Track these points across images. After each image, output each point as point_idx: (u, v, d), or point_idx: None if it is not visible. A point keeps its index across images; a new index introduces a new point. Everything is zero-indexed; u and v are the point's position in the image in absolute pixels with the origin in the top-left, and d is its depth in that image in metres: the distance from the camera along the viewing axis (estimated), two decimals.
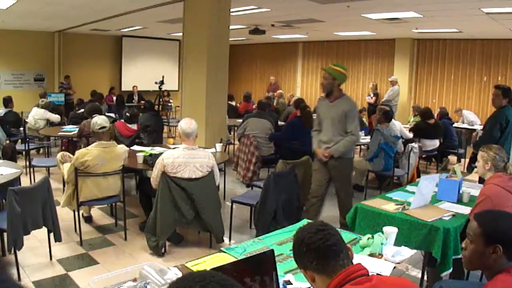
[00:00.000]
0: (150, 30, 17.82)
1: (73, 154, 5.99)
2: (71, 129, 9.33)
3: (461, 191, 5.03)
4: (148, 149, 7.32)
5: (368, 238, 3.45)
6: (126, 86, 20.38)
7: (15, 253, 4.71)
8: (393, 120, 9.62)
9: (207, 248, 5.86)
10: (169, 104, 18.53)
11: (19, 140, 10.65)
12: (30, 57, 18.48)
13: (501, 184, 4.09)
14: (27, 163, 9.03)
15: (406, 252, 3.37)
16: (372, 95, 16.99)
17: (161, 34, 19.47)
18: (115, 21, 14.44)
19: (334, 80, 6.17)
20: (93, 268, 5.25)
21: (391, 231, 3.52)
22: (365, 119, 12.86)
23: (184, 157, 5.50)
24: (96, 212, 7.10)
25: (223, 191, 8.12)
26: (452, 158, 11.78)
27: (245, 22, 13.95)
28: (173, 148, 6.04)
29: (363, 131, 10.36)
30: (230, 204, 6.37)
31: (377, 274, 2.84)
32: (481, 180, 5.08)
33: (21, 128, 10.64)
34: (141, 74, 20.60)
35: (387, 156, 8.33)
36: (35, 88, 18.39)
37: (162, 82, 15.38)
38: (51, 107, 11.72)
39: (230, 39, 9.89)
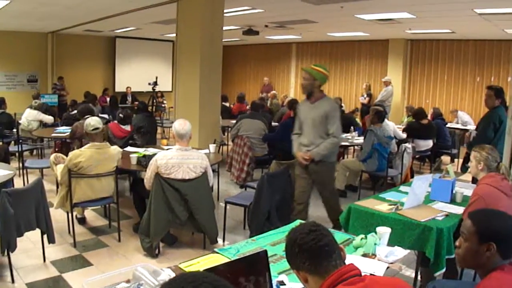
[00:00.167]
0: (144, 31, 17.81)
1: (67, 156, 5.97)
2: (64, 131, 9.30)
3: (454, 191, 5.05)
4: (142, 150, 7.30)
5: (362, 239, 3.46)
6: (120, 87, 20.37)
7: (8, 255, 4.69)
8: (386, 120, 9.64)
9: (201, 249, 5.85)
10: (163, 105, 18.51)
11: (12, 142, 10.62)
12: (23, 58, 18.44)
13: (493, 184, 4.10)
14: (20, 164, 8.99)
15: (399, 252, 3.37)
16: (365, 95, 17.02)
17: (155, 35, 19.46)
18: (108, 22, 14.43)
19: (314, 80, 5.97)
20: (86, 269, 5.24)
21: (384, 231, 3.53)
22: (358, 120, 12.88)
23: (178, 158, 5.49)
24: (89, 214, 7.09)
25: (217, 192, 8.12)
26: (446, 158, 11.81)
27: (238, 23, 13.95)
28: (167, 149, 6.03)
29: (356, 132, 10.38)
30: (223, 205, 6.38)
31: (371, 274, 2.85)
32: (474, 180, 5.09)
33: (14, 130, 10.61)
34: (134, 75, 20.61)
35: (381, 156, 8.34)
36: (28, 89, 18.34)
37: (155, 83, 15.38)
38: (44, 108, 11.69)
39: (224, 40, 9.90)
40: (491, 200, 3.90)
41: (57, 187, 6.82)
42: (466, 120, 13.98)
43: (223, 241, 6.16)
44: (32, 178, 7.22)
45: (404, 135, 10.49)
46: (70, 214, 6.06)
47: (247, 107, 13.93)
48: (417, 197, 4.70)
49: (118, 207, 6.26)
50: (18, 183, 7.91)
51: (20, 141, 9.41)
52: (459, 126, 13.61)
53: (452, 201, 4.95)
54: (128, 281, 2.68)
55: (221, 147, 10.26)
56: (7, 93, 16.50)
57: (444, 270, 4.16)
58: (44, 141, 11.09)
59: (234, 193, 7.59)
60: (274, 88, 19.73)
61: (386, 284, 2.22)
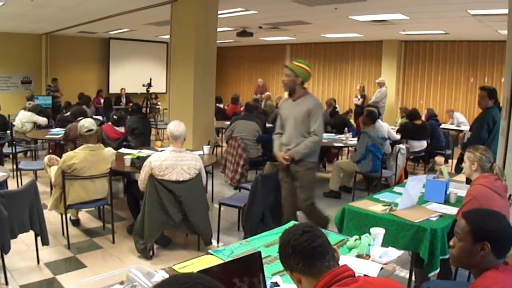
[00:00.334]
0: (138, 32, 17.79)
1: (61, 157, 5.96)
2: (58, 132, 9.28)
3: (448, 192, 5.06)
4: (136, 152, 7.30)
5: (356, 239, 3.46)
6: (114, 88, 20.34)
7: (2, 257, 4.69)
8: (380, 121, 9.65)
9: (195, 250, 5.85)
10: (157, 106, 18.50)
11: (6, 143, 10.60)
12: (17, 60, 18.39)
13: (487, 184, 4.11)
14: (14, 166, 8.98)
15: (393, 253, 3.38)
16: (359, 96, 17.04)
17: (149, 36, 19.44)
18: (102, 24, 14.41)
19: (296, 77, 5.72)
20: (80, 271, 5.23)
21: (378, 232, 3.53)
22: (352, 121, 12.90)
23: (172, 159, 5.49)
24: (83, 215, 7.08)
25: (211, 194, 8.12)
26: (439, 159, 11.83)
27: (232, 24, 13.96)
28: (161, 151, 6.03)
29: (350, 133, 10.39)
30: (218, 207, 6.38)
31: (365, 275, 2.85)
32: (468, 181, 5.10)
33: (8, 131, 10.58)
34: (128, 76, 20.57)
35: (375, 157, 8.35)
36: (22, 90, 18.28)
37: (149, 85, 15.36)
38: (38, 110, 11.67)
39: (218, 41, 9.91)
40: (485, 201, 3.91)
41: (51, 188, 6.82)
42: (462, 120, 14.03)
43: (217, 242, 6.15)
44: (26, 180, 7.21)
45: (398, 136, 10.51)
46: (64, 216, 6.04)
47: (241, 108, 13.93)
48: (411, 198, 4.71)
49: (112, 208, 6.24)
50: (12, 185, 7.86)
51: (14, 142, 9.40)
52: (453, 127, 13.65)
53: (446, 201, 4.96)
54: (122, 283, 2.68)
55: (215, 148, 10.26)
56: (1, 94, 16.54)
57: (438, 270, 4.16)
58: (38, 143, 11.06)
59: (228, 195, 7.59)
60: (268, 90, 19.73)
61: (379, 285, 2.22)
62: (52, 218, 6.33)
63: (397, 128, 11.39)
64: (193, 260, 3.20)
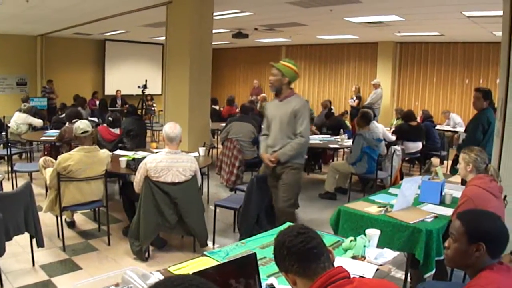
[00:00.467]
0: (133, 34, 17.78)
1: (56, 159, 5.95)
2: (53, 134, 9.26)
3: (443, 193, 5.07)
4: (131, 154, 7.30)
5: (351, 241, 3.46)
6: (109, 90, 20.32)
7: None
8: (375, 123, 9.67)
9: (190, 252, 5.85)
10: (152, 108, 18.49)
11: (1, 145, 10.58)
12: (12, 61, 18.37)
13: (482, 185, 4.12)
14: (9, 168, 8.96)
15: (389, 254, 3.38)
16: (355, 98, 17.06)
17: (144, 38, 19.42)
18: (97, 25, 14.40)
19: (283, 77, 5.61)
20: (76, 273, 5.21)
21: (373, 233, 3.54)
22: (348, 123, 12.91)
23: (167, 161, 5.49)
24: (79, 217, 7.06)
25: (207, 195, 8.12)
26: (435, 160, 11.85)
27: (228, 26, 13.97)
28: (156, 153, 6.02)
29: (346, 134, 10.40)
30: (213, 208, 6.38)
31: (360, 276, 2.86)
32: (464, 182, 5.11)
33: (3, 133, 10.58)
34: (124, 78, 20.56)
35: (370, 159, 8.36)
36: (17, 92, 18.29)
37: (145, 86, 15.33)
38: (34, 112, 11.65)
39: (213, 43, 9.91)
40: (480, 202, 3.92)
41: (46, 190, 6.80)
42: (458, 121, 14.06)
43: (213, 244, 6.14)
44: (21, 182, 7.20)
45: (394, 138, 10.53)
46: (59, 218, 6.02)
47: (237, 110, 13.95)
48: (407, 199, 4.71)
49: (108, 210, 6.23)
50: (7, 187, 7.88)
51: (9, 144, 9.38)
52: (448, 128, 13.68)
53: (441, 203, 4.97)
54: (117, 285, 2.68)
55: (210, 150, 10.25)
56: None
57: (433, 271, 4.17)
58: (33, 145, 11.05)
59: (224, 196, 7.59)
60: (264, 91, 19.71)
61: (374, 286, 2.23)
62: (47, 220, 6.31)
63: (392, 129, 11.41)
64: (189, 262, 3.20)
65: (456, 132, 12.87)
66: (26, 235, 5.12)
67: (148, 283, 2.62)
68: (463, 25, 11.61)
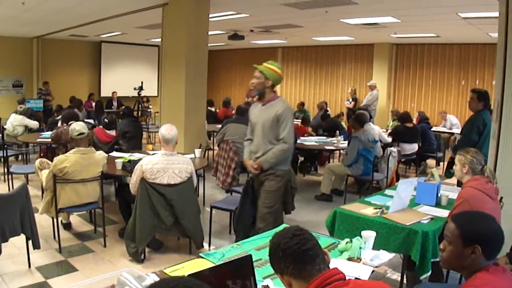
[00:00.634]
0: (129, 35, 17.78)
1: (52, 161, 5.94)
2: (49, 136, 9.24)
3: (439, 194, 5.08)
4: (127, 155, 7.29)
5: (347, 242, 3.47)
6: (105, 92, 20.31)
7: None
8: (371, 124, 9.68)
9: (186, 254, 5.84)
10: (148, 110, 18.48)
11: None
12: (8, 63, 18.36)
13: (478, 187, 4.12)
14: (5, 170, 8.94)
15: (385, 256, 3.38)
16: (351, 100, 17.05)
17: (140, 40, 19.42)
18: (94, 27, 14.40)
19: (266, 80, 5.32)
20: (72, 275, 5.20)
21: (369, 235, 3.54)
22: (344, 124, 12.92)
23: (163, 163, 5.49)
24: (75, 219, 7.05)
25: (203, 197, 8.12)
26: (431, 162, 11.87)
27: (224, 27, 13.97)
28: (152, 154, 6.02)
29: (342, 136, 10.41)
30: (209, 210, 6.35)
31: (356, 278, 2.86)
32: (460, 183, 5.11)
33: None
34: (120, 80, 20.57)
35: (366, 161, 8.37)
36: (13, 94, 18.28)
37: (141, 88, 15.31)
38: (30, 113, 11.63)
39: (209, 45, 9.92)
40: (476, 203, 3.92)
41: (42, 192, 6.80)
42: (455, 123, 14.09)
43: (209, 246, 6.14)
44: (17, 184, 7.19)
45: (390, 139, 10.54)
46: (55, 220, 6.02)
47: (233, 111, 13.93)
48: (402, 201, 4.71)
49: (104, 212, 6.23)
50: (3, 189, 7.88)
51: (5, 146, 9.36)
52: (444, 129, 13.70)
53: (437, 204, 4.98)
54: (112, 286, 2.67)
55: (206, 151, 10.25)
56: None
57: (429, 273, 4.17)
58: (29, 146, 11.03)
59: (220, 198, 7.58)
60: None
61: None
62: (43, 221, 6.30)
63: (388, 131, 11.42)
64: (184, 263, 3.19)
65: (452, 134, 12.91)
66: (22, 237, 5.11)
67: (143, 284, 2.62)
68: (459, 26, 11.64)
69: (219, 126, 10.57)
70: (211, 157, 11.47)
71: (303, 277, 2.17)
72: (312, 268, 2.17)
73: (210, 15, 9.77)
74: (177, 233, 5.84)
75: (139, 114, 15.36)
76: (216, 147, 10.41)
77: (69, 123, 7.31)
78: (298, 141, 9.90)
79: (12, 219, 4.86)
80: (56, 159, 5.80)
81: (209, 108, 12.94)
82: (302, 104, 16.74)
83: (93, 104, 16.83)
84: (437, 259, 4.03)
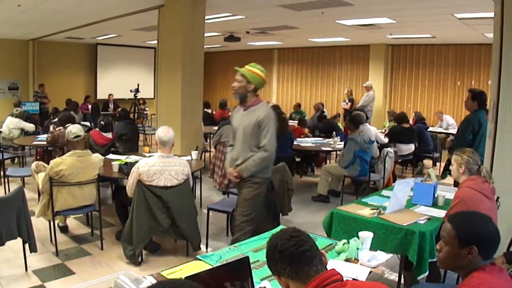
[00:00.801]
0: (125, 38, 17.78)
1: (48, 164, 5.93)
2: (45, 139, 9.22)
3: (436, 195, 5.09)
4: (124, 158, 7.29)
5: (344, 243, 3.46)
6: (102, 94, 20.30)
7: None
8: (368, 125, 9.69)
9: (184, 256, 5.83)
10: (145, 112, 18.47)
11: None
12: (4, 66, 18.32)
13: (475, 187, 4.13)
14: (1, 173, 8.91)
15: (382, 257, 3.38)
16: (347, 101, 17.08)
17: (136, 42, 19.42)
18: (89, 29, 14.39)
19: (248, 84, 5.09)
20: (69, 278, 5.18)
21: (366, 236, 3.54)
22: (340, 125, 12.93)
23: (160, 165, 5.48)
24: (71, 222, 7.04)
25: (200, 199, 8.12)
26: (428, 162, 11.88)
27: (220, 29, 13.97)
28: (149, 157, 6.02)
29: (338, 137, 10.42)
30: (206, 212, 6.36)
31: (353, 279, 2.86)
32: (456, 184, 5.12)
33: None
34: (116, 82, 20.54)
35: (363, 162, 8.37)
36: (9, 97, 18.24)
37: (137, 90, 15.33)
38: (26, 116, 11.62)
39: (205, 47, 9.92)
40: (473, 203, 3.93)
41: (39, 195, 6.77)
42: (451, 123, 14.12)
43: (206, 248, 6.14)
44: (13, 187, 7.16)
45: (386, 140, 10.55)
46: (52, 223, 6.00)
47: (229, 113, 13.92)
48: (399, 201, 4.71)
49: (101, 215, 6.21)
50: None
51: (1, 149, 9.34)
52: (441, 130, 13.72)
53: (434, 204, 4.98)
54: None
55: (203, 153, 10.25)
56: None
57: (427, 273, 4.17)
58: (26, 149, 11.01)
59: (217, 200, 7.56)
60: None
61: None
62: (40, 225, 6.28)
63: (385, 132, 11.43)
64: (181, 266, 3.19)
65: (449, 134, 12.92)
66: (18, 240, 5.09)
67: (141, 287, 2.61)
68: (454, 27, 11.66)
69: (216, 128, 10.57)
70: (207, 159, 11.47)
71: (300, 279, 2.17)
72: (309, 269, 2.17)
73: (206, 17, 9.78)
74: (174, 235, 5.84)
75: (136, 116, 15.38)
76: (212, 149, 10.40)
77: (66, 125, 7.29)
78: (295, 143, 9.91)
79: (8, 222, 4.85)
80: (52, 162, 5.79)
81: (205, 110, 12.94)
82: (299, 105, 16.77)
83: (89, 106, 16.85)
84: (434, 259, 4.03)
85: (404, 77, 17.26)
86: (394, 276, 5.19)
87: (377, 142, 9.52)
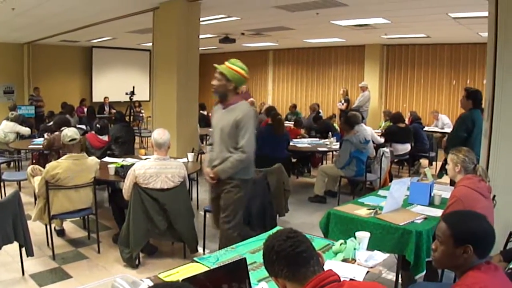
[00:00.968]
0: (120, 40, 17.75)
1: (44, 167, 5.92)
2: (41, 142, 9.20)
3: (432, 194, 5.09)
4: (120, 161, 7.28)
5: (341, 244, 3.47)
6: (97, 97, 20.28)
7: None
8: (364, 125, 9.70)
9: (181, 258, 5.82)
10: (141, 114, 18.45)
11: None
12: None
13: (471, 186, 4.13)
14: None
15: (379, 256, 3.38)
16: (343, 101, 17.07)
17: (131, 44, 19.38)
18: (84, 32, 14.36)
19: (228, 82, 4.97)
20: (66, 282, 5.17)
21: (363, 236, 3.54)
22: (336, 126, 12.93)
23: (156, 167, 5.48)
24: (68, 225, 7.02)
25: (196, 201, 8.11)
26: (424, 162, 11.90)
27: (215, 31, 13.97)
28: (145, 159, 6.02)
29: (334, 138, 10.42)
30: (203, 214, 6.35)
31: (350, 279, 2.86)
32: (452, 183, 5.12)
33: None
34: (111, 85, 20.51)
35: (359, 162, 8.38)
36: (4, 101, 18.19)
37: (132, 93, 15.30)
38: (21, 120, 11.61)
39: (200, 48, 9.92)
40: (469, 202, 3.93)
41: (35, 199, 6.77)
42: (446, 122, 14.14)
43: (203, 249, 6.13)
44: (9, 191, 7.13)
45: (382, 140, 10.56)
46: (48, 226, 5.99)
47: None
48: (396, 201, 4.71)
49: (97, 218, 6.22)
50: None
51: None
52: (436, 129, 13.74)
53: (431, 204, 4.98)
54: None
55: (199, 155, 10.24)
56: None
57: (424, 272, 4.18)
58: (21, 153, 10.99)
59: None
60: (252, 96, 19.68)
61: None
62: (36, 228, 6.26)
63: (381, 131, 11.44)
64: (178, 268, 3.18)
65: (444, 134, 12.93)
66: (15, 244, 5.08)
67: None
68: (449, 26, 11.67)
69: (212, 129, 10.55)
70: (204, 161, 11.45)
71: (297, 280, 2.17)
72: (306, 270, 2.17)
73: (201, 19, 9.78)
74: (171, 237, 5.83)
75: (131, 119, 15.34)
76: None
77: (61, 129, 7.28)
78: (291, 143, 9.91)
79: (4, 226, 4.84)
80: (48, 165, 5.78)
81: (201, 111, 12.94)
82: (294, 106, 16.78)
83: (85, 109, 16.79)
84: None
85: (400, 77, 17.27)
86: (391, 276, 5.19)
87: (373, 142, 9.52)
